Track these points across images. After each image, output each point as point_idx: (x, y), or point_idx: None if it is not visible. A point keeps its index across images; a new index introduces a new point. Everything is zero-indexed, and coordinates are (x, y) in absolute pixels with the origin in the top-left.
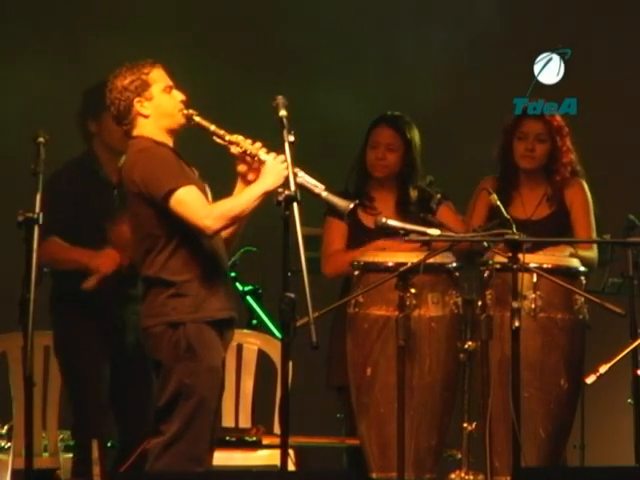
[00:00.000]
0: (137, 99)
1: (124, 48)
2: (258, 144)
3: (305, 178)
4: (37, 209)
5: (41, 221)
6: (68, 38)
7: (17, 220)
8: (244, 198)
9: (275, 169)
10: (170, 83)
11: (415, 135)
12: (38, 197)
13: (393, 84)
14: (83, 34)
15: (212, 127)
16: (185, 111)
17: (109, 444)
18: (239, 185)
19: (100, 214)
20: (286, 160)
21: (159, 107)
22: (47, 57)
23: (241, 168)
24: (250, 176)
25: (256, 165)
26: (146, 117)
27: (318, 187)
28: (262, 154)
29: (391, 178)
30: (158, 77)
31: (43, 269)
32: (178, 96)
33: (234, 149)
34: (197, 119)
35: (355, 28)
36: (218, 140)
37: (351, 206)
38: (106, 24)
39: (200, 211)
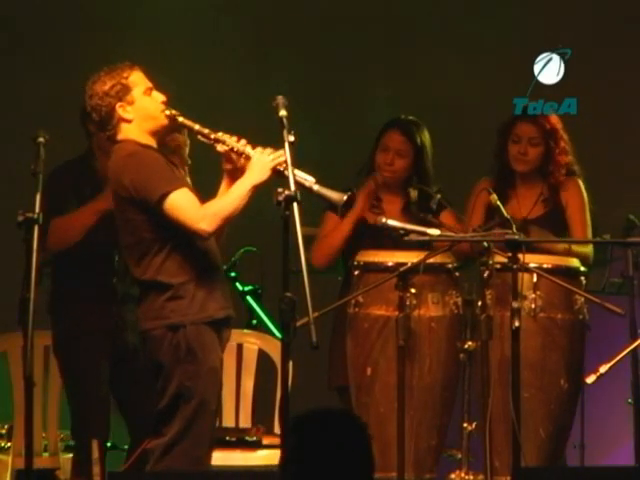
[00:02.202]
0: (119, 104)
1: (126, 47)
2: (243, 141)
3: (295, 172)
4: (37, 209)
5: (41, 221)
6: (68, 37)
7: (17, 220)
8: (234, 195)
9: (260, 162)
10: (150, 85)
11: (427, 141)
12: (38, 197)
13: (392, 84)
14: (84, 33)
15: (196, 126)
16: (168, 112)
17: (109, 444)
18: (224, 183)
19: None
20: (272, 152)
21: (141, 110)
22: (47, 56)
23: (227, 166)
24: (237, 174)
25: (242, 162)
26: (129, 122)
27: (308, 181)
28: (248, 150)
29: (399, 183)
30: (138, 80)
31: (43, 269)
32: (159, 97)
33: (220, 147)
34: (181, 119)
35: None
36: (203, 139)
37: (344, 197)
38: (108, 23)
39: (194, 215)
